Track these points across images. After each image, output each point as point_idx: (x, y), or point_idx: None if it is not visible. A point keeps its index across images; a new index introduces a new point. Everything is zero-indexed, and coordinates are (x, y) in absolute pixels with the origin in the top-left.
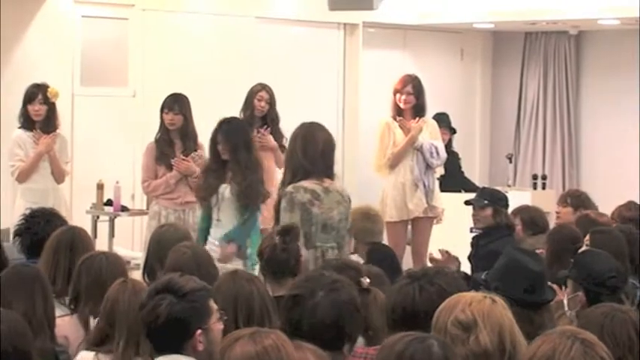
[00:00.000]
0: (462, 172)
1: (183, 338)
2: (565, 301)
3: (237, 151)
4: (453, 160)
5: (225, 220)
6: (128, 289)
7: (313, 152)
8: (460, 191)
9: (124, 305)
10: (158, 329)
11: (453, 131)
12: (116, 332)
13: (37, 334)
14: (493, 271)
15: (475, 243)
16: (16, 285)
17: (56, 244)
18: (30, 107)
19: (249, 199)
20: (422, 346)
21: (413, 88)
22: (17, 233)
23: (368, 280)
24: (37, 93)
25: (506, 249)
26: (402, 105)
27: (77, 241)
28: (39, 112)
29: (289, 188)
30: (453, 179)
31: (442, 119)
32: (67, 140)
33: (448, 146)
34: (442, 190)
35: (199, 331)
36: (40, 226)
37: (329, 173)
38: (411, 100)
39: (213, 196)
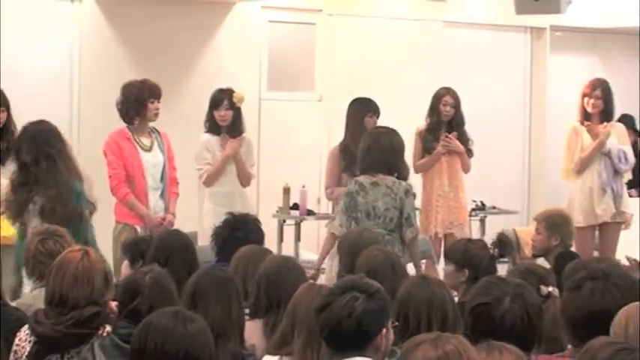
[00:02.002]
0: None
1: (369, 337)
2: None
3: (40, 160)
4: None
5: None
6: (313, 291)
7: (371, 152)
8: None
9: (306, 306)
10: (347, 326)
11: (638, 133)
12: (296, 333)
13: (229, 338)
14: None
15: None
16: (214, 288)
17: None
18: (216, 113)
19: (54, 217)
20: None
21: (602, 92)
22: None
23: (550, 289)
24: (222, 98)
25: None
26: (589, 109)
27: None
28: (225, 118)
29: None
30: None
31: (627, 121)
32: (253, 144)
33: (634, 149)
34: (630, 195)
35: (384, 330)
36: (249, 235)
37: (383, 170)
38: (599, 104)
39: (24, 214)
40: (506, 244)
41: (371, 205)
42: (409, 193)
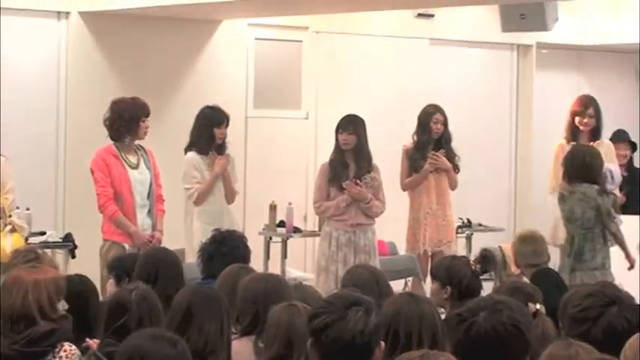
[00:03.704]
0: None
1: (372, 352)
2: None
3: None
4: (633, 179)
5: None
6: (301, 312)
7: (572, 164)
8: None
9: (301, 329)
10: (359, 342)
11: (634, 147)
12: (294, 355)
13: (219, 355)
14: None
15: None
16: (208, 306)
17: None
18: (217, 131)
19: None
20: None
21: (594, 110)
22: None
23: (538, 307)
24: (223, 117)
25: None
26: (581, 127)
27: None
28: (223, 136)
29: None
30: (634, 199)
31: (621, 135)
32: (236, 160)
33: (629, 164)
34: (623, 213)
35: (382, 344)
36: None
37: (576, 178)
38: (592, 123)
39: None
40: (488, 260)
41: (569, 211)
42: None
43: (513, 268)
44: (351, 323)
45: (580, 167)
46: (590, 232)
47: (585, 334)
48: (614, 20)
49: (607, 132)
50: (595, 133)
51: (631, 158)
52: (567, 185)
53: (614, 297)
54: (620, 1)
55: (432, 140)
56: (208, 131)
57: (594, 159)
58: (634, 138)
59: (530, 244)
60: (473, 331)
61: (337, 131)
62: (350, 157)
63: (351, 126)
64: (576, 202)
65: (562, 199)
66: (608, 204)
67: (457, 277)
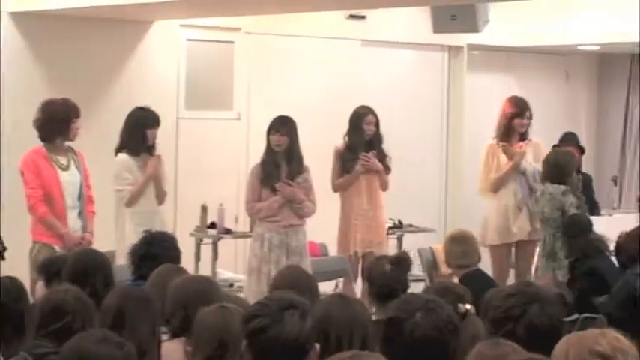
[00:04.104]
0: (592, 195)
1: (305, 356)
2: None
3: None
4: (582, 183)
5: None
6: (234, 314)
7: (547, 166)
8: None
9: (235, 331)
10: (298, 344)
11: (583, 151)
12: (228, 357)
13: (152, 357)
14: (612, 301)
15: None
16: (141, 307)
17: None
18: (150, 132)
19: None
20: None
21: (529, 112)
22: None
23: (468, 307)
24: (156, 118)
25: (625, 276)
26: (521, 129)
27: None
28: (155, 137)
29: None
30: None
31: (571, 138)
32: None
33: (577, 168)
34: None
35: (317, 347)
36: (166, 252)
37: (548, 179)
38: (528, 124)
39: None
40: (401, 261)
41: (540, 211)
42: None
43: (444, 269)
44: (288, 326)
45: (551, 168)
46: (559, 231)
47: (509, 334)
48: (544, 23)
49: (538, 132)
50: (525, 134)
51: (579, 162)
52: (542, 186)
53: (535, 295)
54: (550, 5)
55: (363, 141)
56: (140, 133)
57: (566, 161)
58: (560, 136)
59: (460, 244)
60: (416, 333)
61: (269, 132)
62: (281, 158)
63: (283, 127)
64: (546, 202)
65: (536, 200)
66: (572, 204)
67: (375, 278)
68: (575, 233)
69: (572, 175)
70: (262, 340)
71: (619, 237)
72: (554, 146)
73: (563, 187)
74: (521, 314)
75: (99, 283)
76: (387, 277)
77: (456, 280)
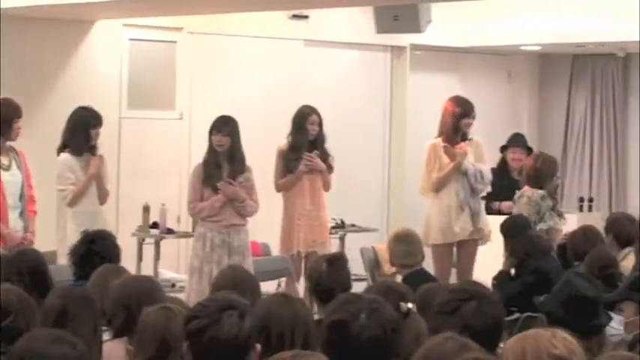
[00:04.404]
0: None
1: (245, 356)
2: (621, 326)
3: None
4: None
5: None
6: (176, 315)
7: (528, 169)
8: None
9: (177, 332)
10: (234, 345)
11: (530, 151)
12: (170, 358)
13: (93, 357)
14: (553, 300)
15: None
16: (83, 307)
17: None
18: (94, 131)
19: None
20: None
21: (474, 112)
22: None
23: (410, 305)
24: (99, 118)
25: (566, 276)
26: (467, 129)
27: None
28: (98, 137)
29: None
30: None
31: (519, 139)
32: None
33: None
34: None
35: (258, 347)
36: (106, 250)
37: (528, 182)
38: (473, 124)
39: None
40: (335, 261)
41: None
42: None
43: (387, 268)
44: (226, 327)
45: (530, 172)
46: None
47: (442, 329)
48: (487, 23)
49: (481, 132)
50: (466, 134)
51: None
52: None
53: (475, 292)
54: (492, 5)
55: (307, 141)
56: (85, 132)
57: (546, 165)
58: (502, 136)
59: (404, 243)
60: (362, 335)
61: (211, 132)
62: (223, 158)
63: (225, 127)
64: (523, 205)
65: (514, 202)
66: (546, 207)
67: (314, 278)
68: (514, 234)
69: (548, 180)
70: (201, 340)
71: (564, 236)
72: (502, 147)
73: (541, 192)
74: (454, 310)
75: (37, 283)
76: (324, 276)
77: (399, 279)
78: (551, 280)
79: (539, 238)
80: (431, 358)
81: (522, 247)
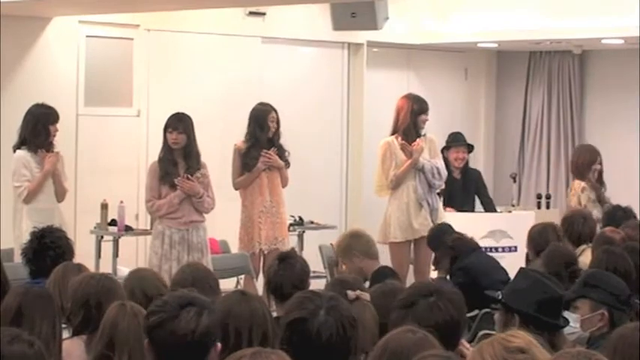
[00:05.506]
0: (485, 191)
1: (205, 353)
2: (577, 323)
3: None
4: (469, 181)
5: None
6: (127, 312)
7: None
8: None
9: (124, 329)
10: (191, 341)
11: (471, 150)
12: (116, 357)
13: (52, 356)
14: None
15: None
16: (40, 306)
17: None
18: (52, 128)
19: None
20: None
21: (429, 108)
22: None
23: (358, 292)
24: (57, 114)
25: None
26: (423, 125)
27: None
28: (55, 134)
29: None
30: (469, 201)
31: (458, 138)
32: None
33: (465, 166)
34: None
35: (218, 345)
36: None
37: None
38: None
39: None
40: (285, 259)
41: None
42: None
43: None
44: (183, 322)
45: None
46: None
47: (401, 323)
48: (444, 20)
49: (438, 128)
50: (421, 130)
51: (467, 161)
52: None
53: (435, 289)
54: (449, 2)
55: (267, 138)
56: (44, 129)
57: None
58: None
59: (362, 237)
60: (323, 332)
61: (165, 130)
62: (179, 155)
63: (180, 124)
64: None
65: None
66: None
67: (269, 276)
68: (436, 245)
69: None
70: (160, 335)
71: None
72: (443, 148)
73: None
74: (411, 304)
75: None
76: (276, 274)
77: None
78: (479, 274)
79: (460, 239)
80: (390, 349)
81: (446, 255)
